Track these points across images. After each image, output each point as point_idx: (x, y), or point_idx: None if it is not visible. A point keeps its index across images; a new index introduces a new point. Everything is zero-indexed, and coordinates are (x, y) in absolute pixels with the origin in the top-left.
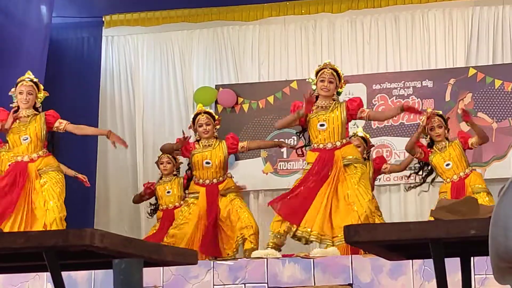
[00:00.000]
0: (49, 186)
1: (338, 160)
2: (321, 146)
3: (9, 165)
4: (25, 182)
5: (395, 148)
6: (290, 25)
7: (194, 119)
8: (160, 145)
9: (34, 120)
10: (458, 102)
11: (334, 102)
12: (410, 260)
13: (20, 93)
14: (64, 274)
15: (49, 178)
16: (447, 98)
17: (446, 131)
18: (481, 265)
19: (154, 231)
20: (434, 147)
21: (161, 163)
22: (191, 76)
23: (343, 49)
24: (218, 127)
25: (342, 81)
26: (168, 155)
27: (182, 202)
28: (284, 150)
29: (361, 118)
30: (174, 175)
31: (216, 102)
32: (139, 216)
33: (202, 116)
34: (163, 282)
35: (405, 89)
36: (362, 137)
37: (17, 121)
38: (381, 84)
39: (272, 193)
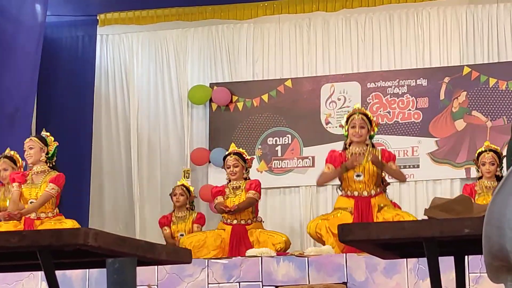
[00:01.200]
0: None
1: (375, 207)
2: (355, 193)
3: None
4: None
5: (390, 146)
6: (284, 24)
7: (224, 158)
8: (154, 143)
9: (44, 182)
10: (453, 101)
11: (368, 147)
12: (405, 259)
13: (24, 150)
14: (59, 273)
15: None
16: (442, 96)
17: (498, 169)
18: (475, 263)
19: None
20: (481, 182)
21: (174, 195)
22: (185, 74)
23: (337, 47)
24: (249, 168)
25: (374, 124)
26: (182, 186)
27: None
28: (278, 148)
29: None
30: (187, 208)
31: (211, 101)
32: (134, 216)
33: (231, 157)
34: (157, 281)
35: (400, 88)
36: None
37: (29, 181)
38: (376, 83)
39: (267, 191)
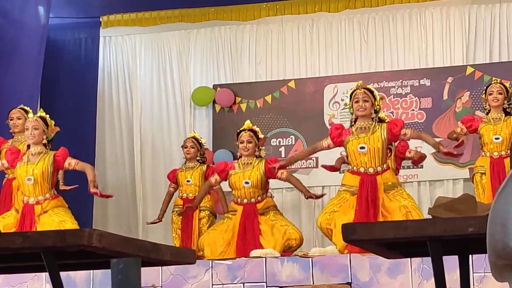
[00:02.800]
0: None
1: (380, 186)
2: (361, 169)
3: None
4: (33, 226)
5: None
6: (287, 25)
7: (237, 134)
8: (158, 145)
9: (42, 160)
10: (456, 101)
11: (374, 122)
12: (409, 259)
13: (26, 129)
14: (63, 274)
15: (56, 217)
16: (445, 96)
17: (505, 101)
18: (479, 263)
19: (174, 224)
20: (488, 116)
21: (185, 147)
22: (188, 76)
23: (340, 48)
24: (262, 147)
25: (378, 98)
26: (193, 139)
27: None
28: (282, 149)
29: (402, 140)
30: (198, 161)
31: (214, 102)
32: (137, 217)
33: (246, 133)
34: (161, 282)
35: (403, 88)
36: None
37: (25, 159)
38: (379, 83)
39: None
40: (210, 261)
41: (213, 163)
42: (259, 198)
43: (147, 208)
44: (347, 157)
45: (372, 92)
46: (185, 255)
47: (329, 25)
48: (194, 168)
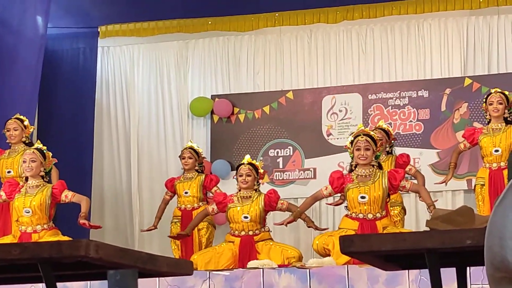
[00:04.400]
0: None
1: (380, 230)
2: (360, 216)
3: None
4: None
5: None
6: (285, 35)
7: (237, 168)
8: (155, 155)
9: (40, 192)
10: (454, 112)
11: (374, 169)
12: (406, 270)
13: (24, 161)
14: (60, 285)
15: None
16: (443, 108)
17: (506, 111)
18: (477, 275)
19: (175, 234)
20: (488, 126)
21: (183, 158)
22: (186, 86)
23: (338, 59)
24: (261, 181)
25: (378, 144)
26: (190, 149)
27: (200, 203)
28: (280, 160)
29: (405, 191)
30: (196, 171)
31: (212, 112)
32: (133, 227)
33: (245, 166)
34: None
35: (401, 99)
36: (384, 130)
37: (23, 191)
38: (377, 94)
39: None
40: (208, 272)
41: (211, 173)
42: (256, 231)
43: (144, 218)
44: (347, 202)
45: (373, 138)
46: (182, 266)
47: (327, 36)
48: (192, 179)
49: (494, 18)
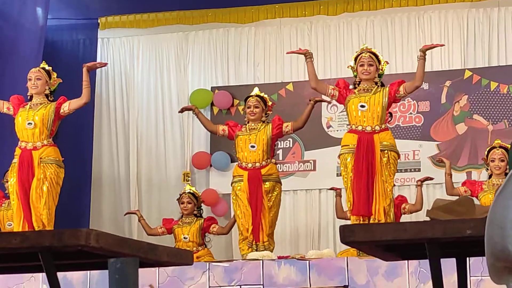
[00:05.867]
0: (47, 187)
1: (377, 145)
2: (359, 128)
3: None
4: (29, 171)
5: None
6: (285, 27)
7: (245, 100)
8: (154, 147)
9: (43, 107)
10: (454, 104)
11: (377, 86)
12: (406, 262)
13: (29, 79)
14: (60, 275)
15: (49, 174)
16: (443, 100)
17: (507, 166)
18: (476, 266)
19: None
20: (489, 181)
21: (182, 203)
22: (186, 78)
23: (338, 51)
24: (269, 112)
25: (382, 62)
26: (189, 194)
27: (199, 247)
28: (280, 152)
29: (401, 96)
30: (195, 215)
31: (212, 104)
32: (131, 220)
33: (253, 98)
34: (158, 283)
35: None
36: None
37: (27, 106)
38: None
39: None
40: (207, 263)
41: (211, 165)
42: (263, 162)
43: (142, 210)
44: (348, 117)
45: (377, 56)
46: (182, 256)
47: (327, 28)
48: (191, 223)
49: (495, 10)
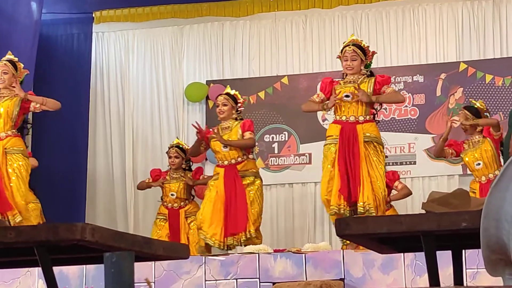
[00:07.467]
0: (16, 174)
1: (360, 134)
2: (343, 118)
3: None
4: None
5: (387, 143)
6: (280, 21)
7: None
8: (150, 140)
9: (9, 99)
10: (449, 97)
11: (364, 76)
12: (402, 255)
13: None
14: (56, 269)
15: (15, 162)
16: (438, 93)
17: (472, 127)
18: (472, 259)
19: (158, 231)
20: (466, 142)
21: (169, 157)
22: (181, 71)
23: (333, 44)
24: (241, 109)
25: (369, 53)
26: (176, 148)
27: (187, 201)
28: (275, 145)
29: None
30: (184, 169)
31: (207, 98)
32: (127, 213)
33: (221, 96)
34: (154, 277)
35: (396, 84)
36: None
37: None
38: None
39: (264, 188)
40: (203, 257)
41: (206, 159)
42: (239, 159)
43: (138, 204)
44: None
45: (363, 48)
46: (178, 250)
47: (322, 21)
48: (178, 179)
49: (489, 3)
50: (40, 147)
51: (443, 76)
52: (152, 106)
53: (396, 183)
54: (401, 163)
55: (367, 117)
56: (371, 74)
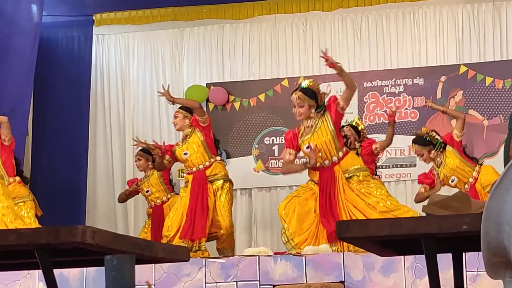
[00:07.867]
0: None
1: (339, 175)
2: (318, 164)
3: None
4: None
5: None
6: (280, 23)
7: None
8: (149, 143)
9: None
10: (449, 100)
11: (316, 119)
12: (402, 257)
13: None
14: (56, 272)
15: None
16: (438, 95)
17: (428, 153)
18: (472, 262)
19: (145, 232)
20: (433, 168)
21: (135, 161)
22: (181, 74)
23: (333, 47)
24: (193, 118)
25: (320, 93)
26: (139, 152)
27: (168, 195)
28: (275, 147)
29: (342, 109)
30: (152, 168)
31: (208, 101)
32: (127, 215)
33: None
34: (155, 280)
35: (396, 87)
36: (353, 127)
37: None
38: (372, 82)
39: (264, 191)
40: (204, 260)
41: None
42: (206, 163)
43: (138, 206)
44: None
45: (308, 93)
46: (178, 252)
47: (322, 24)
48: (149, 176)
49: (489, 6)
50: (40, 150)
51: (443, 78)
52: (153, 108)
53: (374, 146)
54: (401, 166)
55: (340, 154)
56: (323, 109)
